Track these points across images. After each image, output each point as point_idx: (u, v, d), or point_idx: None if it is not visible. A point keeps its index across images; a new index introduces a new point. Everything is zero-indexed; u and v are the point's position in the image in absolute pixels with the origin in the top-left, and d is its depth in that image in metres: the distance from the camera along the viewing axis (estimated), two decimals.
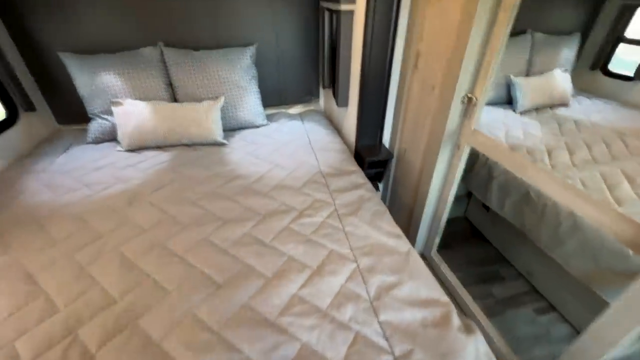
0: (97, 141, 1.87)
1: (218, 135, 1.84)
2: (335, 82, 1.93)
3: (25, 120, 1.83)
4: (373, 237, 1.19)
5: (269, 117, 2.21)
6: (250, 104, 2.02)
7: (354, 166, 1.66)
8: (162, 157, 1.73)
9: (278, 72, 2.23)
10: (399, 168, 1.93)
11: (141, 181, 1.51)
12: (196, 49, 1.94)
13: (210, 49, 1.95)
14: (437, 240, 1.80)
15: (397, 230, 1.25)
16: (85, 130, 1.90)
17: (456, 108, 1.34)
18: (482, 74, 1.23)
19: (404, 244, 1.17)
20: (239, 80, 1.96)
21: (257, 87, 2.06)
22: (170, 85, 1.91)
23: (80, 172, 1.58)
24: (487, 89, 1.25)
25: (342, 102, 1.92)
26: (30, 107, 1.82)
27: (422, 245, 1.91)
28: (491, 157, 1.31)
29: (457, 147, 1.46)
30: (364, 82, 1.64)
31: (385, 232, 1.22)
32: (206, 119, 1.81)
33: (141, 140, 1.76)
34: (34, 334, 0.84)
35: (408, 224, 1.91)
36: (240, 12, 1.97)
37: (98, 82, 1.78)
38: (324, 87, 2.29)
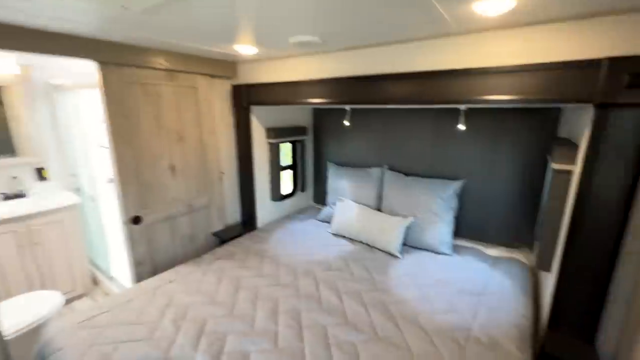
0: (322, 220, 2.66)
1: (394, 248, 2.06)
2: (541, 239, 1.61)
3: (297, 195, 2.98)
4: None
5: (457, 249, 2.14)
6: (439, 232, 2.09)
7: (521, 351, 1.28)
8: (348, 247, 2.19)
9: (483, 209, 2.16)
10: None
11: (322, 259, 2.01)
12: (408, 174, 2.35)
13: (419, 177, 2.29)
14: None
15: None
16: (320, 210, 2.78)
17: None
18: None
19: None
20: (435, 207, 2.12)
21: (452, 217, 2.12)
22: (379, 196, 2.42)
23: (299, 238, 2.34)
24: None
25: (543, 264, 1.55)
26: (303, 189, 2.96)
27: None
28: None
29: None
30: (569, 252, 1.30)
31: None
32: (391, 231, 2.10)
33: (342, 230, 2.33)
34: (218, 316, 1.43)
35: None
36: (458, 151, 2.19)
37: (338, 183, 2.61)
38: (536, 240, 1.92)
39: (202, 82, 2.15)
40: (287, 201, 2.88)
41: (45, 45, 1.41)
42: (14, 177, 2.44)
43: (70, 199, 2.52)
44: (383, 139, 2.52)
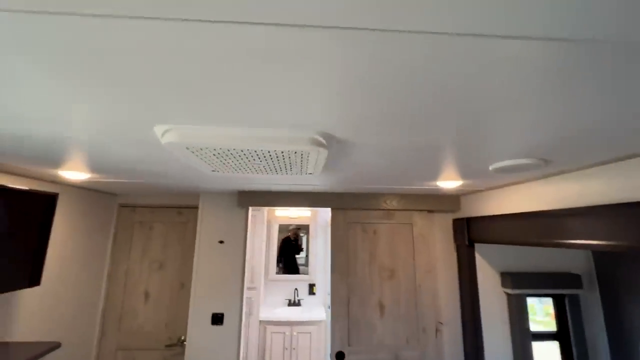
0: None
1: None
2: None
3: None
4: None
5: None
6: None
7: None
8: None
9: None
10: None
11: None
12: None
13: None
14: None
15: None
16: None
17: None
18: None
19: None
20: None
21: None
22: None
23: None
24: None
25: None
26: None
27: None
28: None
29: None
30: None
31: None
32: None
33: None
34: None
35: None
36: None
37: None
38: None
39: (418, 217, 2.09)
40: None
41: (303, 201, 2.02)
42: (296, 289, 3.35)
43: (321, 314, 3.01)
44: None
